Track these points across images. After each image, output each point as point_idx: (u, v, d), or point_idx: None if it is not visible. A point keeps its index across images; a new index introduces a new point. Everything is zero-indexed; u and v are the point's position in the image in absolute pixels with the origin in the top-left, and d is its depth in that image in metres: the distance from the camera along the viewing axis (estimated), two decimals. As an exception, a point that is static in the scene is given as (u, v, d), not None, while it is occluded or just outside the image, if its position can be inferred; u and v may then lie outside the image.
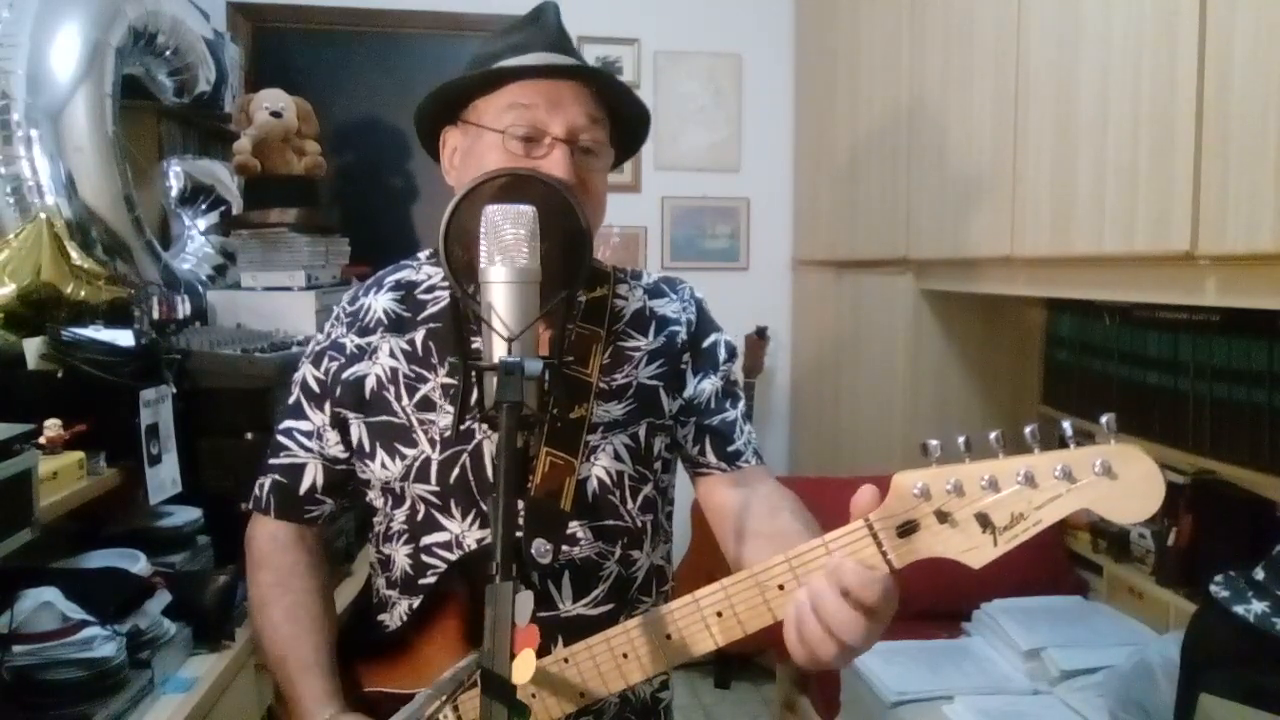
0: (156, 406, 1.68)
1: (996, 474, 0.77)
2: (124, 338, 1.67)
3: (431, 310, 1.14)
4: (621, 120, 1.13)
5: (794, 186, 3.77)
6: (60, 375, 1.60)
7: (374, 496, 1.16)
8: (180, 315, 2.22)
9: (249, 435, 1.83)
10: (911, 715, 2.09)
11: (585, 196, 1.03)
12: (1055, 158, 2.05)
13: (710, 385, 1.16)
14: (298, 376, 1.18)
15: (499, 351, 0.83)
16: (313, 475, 1.16)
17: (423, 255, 1.20)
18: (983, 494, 0.78)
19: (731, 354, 1.20)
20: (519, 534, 0.84)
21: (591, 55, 3.47)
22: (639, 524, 1.13)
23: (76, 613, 1.37)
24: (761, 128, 3.76)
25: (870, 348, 3.15)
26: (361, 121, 3.54)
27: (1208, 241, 1.60)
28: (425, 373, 1.11)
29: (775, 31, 3.73)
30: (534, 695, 0.95)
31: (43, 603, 1.36)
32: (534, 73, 1.05)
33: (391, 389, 1.11)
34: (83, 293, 1.80)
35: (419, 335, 1.13)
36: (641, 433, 1.13)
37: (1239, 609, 1.59)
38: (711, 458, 1.15)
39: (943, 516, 0.79)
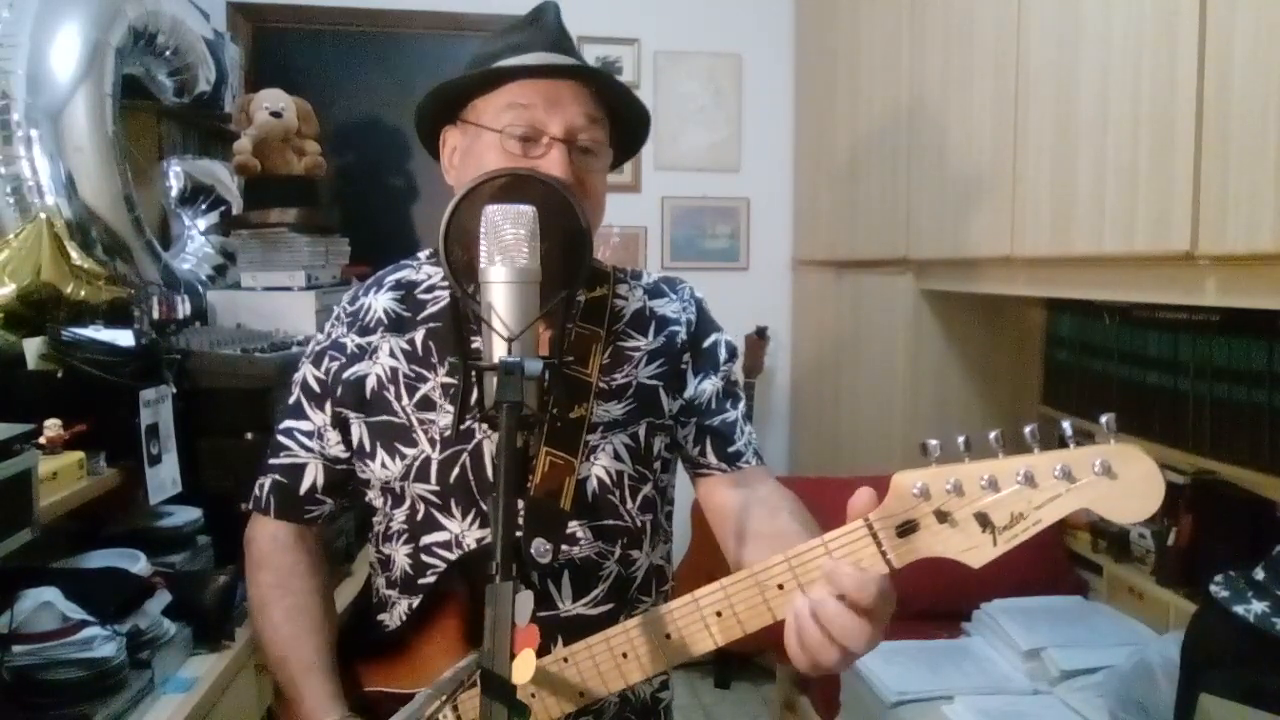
0: (156, 406, 1.68)
1: (996, 474, 0.77)
2: (124, 338, 1.67)
3: (431, 310, 1.14)
4: (621, 121, 1.13)
5: (794, 186, 3.77)
6: (60, 375, 1.60)
7: (374, 496, 1.16)
8: (180, 315, 2.22)
9: (249, 435, 1.83)
10: (911, 715, 2.08)
11: (583, 196, 1.03)
12: (1055, 158, 2.05)
13: (711, 385, 1.16)
14: (298, 376, 1.18)
15: (499, 351, 0.83)
16: (313, 475, 1.16)
17: (423, 255, 1.20)
18: (982, 494, 0.78)
19: (732, 354, 1.20)
20: (519, 534, 0.84)
21: (591, 55, 3.47)
22: (639, 524, 1.13)
23: (76, 613, 1.37)
24: (761, 128, 3.76)
25: (870, 348, 3.14)
26: (361, 121, 3.54)
27: (1208, 241, 1.60)
28: (425, 372, 1.11)
29: (775, 31, 3.73)
30: (534, 695, 0.95)
31: (43, 603, 1.35)
32: (532, 72, 1.05)
33: (391, 389, 1.11)
34: (83, 293, 1.80)
35: (419, 335, 1.13)
36: (641, 433, 1.13)
37: (1239, 609, 1.59)
38: (712, 458, 1.15)
39: (942, 516, 0.79)
